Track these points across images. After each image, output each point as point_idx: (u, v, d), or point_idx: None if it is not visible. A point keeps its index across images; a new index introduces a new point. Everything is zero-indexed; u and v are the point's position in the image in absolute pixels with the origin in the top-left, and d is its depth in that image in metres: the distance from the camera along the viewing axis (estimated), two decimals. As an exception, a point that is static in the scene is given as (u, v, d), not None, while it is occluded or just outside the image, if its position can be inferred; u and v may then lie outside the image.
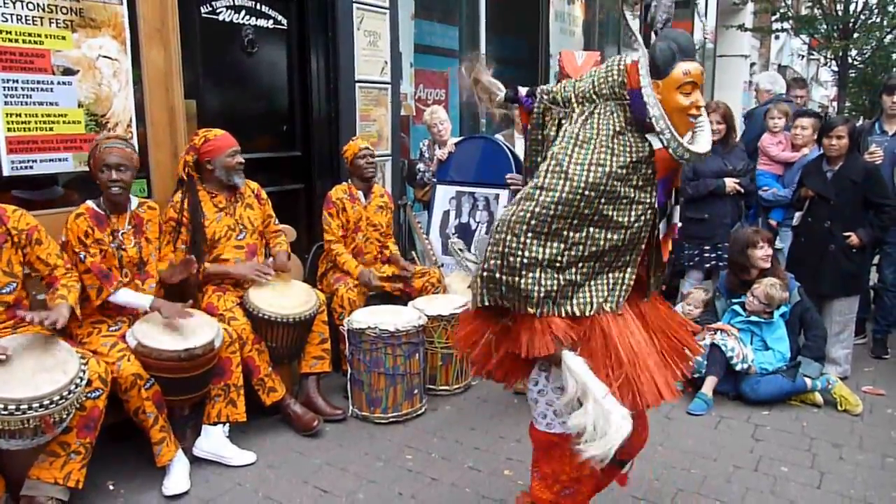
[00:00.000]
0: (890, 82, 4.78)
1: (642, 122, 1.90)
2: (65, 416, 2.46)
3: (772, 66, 17.09)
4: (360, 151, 4.06)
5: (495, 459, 3.17)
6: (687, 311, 4.16)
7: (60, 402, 2.39)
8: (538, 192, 1.88)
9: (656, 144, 1.89)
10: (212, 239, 3.38)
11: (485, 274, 1.93)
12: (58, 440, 2.52)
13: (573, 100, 2.00)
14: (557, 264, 1.89)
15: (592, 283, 1.95)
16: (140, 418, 2.83)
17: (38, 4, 3.02)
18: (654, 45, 1.90)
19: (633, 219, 1.94)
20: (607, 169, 1.87)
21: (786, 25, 13.65)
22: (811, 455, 3.24)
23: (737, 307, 4.03)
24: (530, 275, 1.88)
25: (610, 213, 1.90)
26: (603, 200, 1.89)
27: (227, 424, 3.16)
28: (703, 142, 1.95)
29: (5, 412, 2.29)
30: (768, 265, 3.95)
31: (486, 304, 1.96)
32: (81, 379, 2.50)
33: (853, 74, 14.81)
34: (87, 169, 3.02)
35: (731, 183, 4.45)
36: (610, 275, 1.97)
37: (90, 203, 2.96)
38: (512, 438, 3.37)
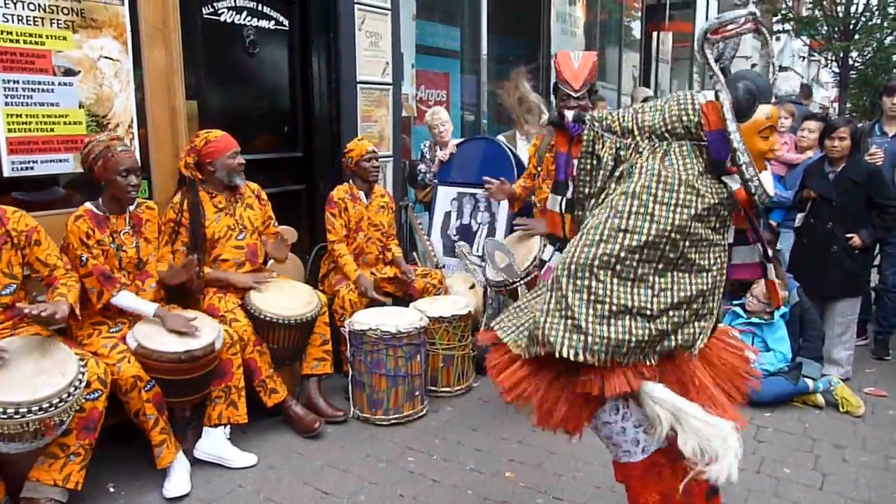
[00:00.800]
0: (890, 84, 4.78)
1: (717, 164, 1.85)
2: (64, 419, 2.45)
3: (771, 68, 17.05)
4: (366, 153, 4.06)
5: (497, 461, 3.16)
6: None
7: (60, 404, 2.38)
8: (621, 234, 1.77)
9: (734, 186, 1.85)
10: (212, 239, 3.37)
11: (569, 322, 1.75)
12: (57, 442, 2.52)
13: (636, 132, 1.92)
14: (648, 312, 1.78)
15: (681, 331, 1.86)
16: (140, 420, 2.82)
17: (38, 5, 3.01)
18: (736, 87, 1.86)
19: (712, 261, 1.89)
20: (692, 211, 1.79)
21: (787, 27, 13.65)
22: (814, 456, 3.23)
23: (737, 309, 4.02)
24: (619, 323, 1.75)
25: (693, 256, 1.84)
26: (687, 243, 1.82)
27: (228, 426, 3.15)
28: (768, 182, 1.91)
29: (4, 416, 2.28)
30: None
31: (570, 357, 1.74)
32: (80, 381, 2.49)
33: (854, 76, 14.82)
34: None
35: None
36: (697, 324, 1.89)
37: (89, 205, 2.96)
38: (514, 440, 3.36)
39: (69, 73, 3.14)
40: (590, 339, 1.73)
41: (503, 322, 1.98)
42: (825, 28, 13.47)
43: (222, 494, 2.88)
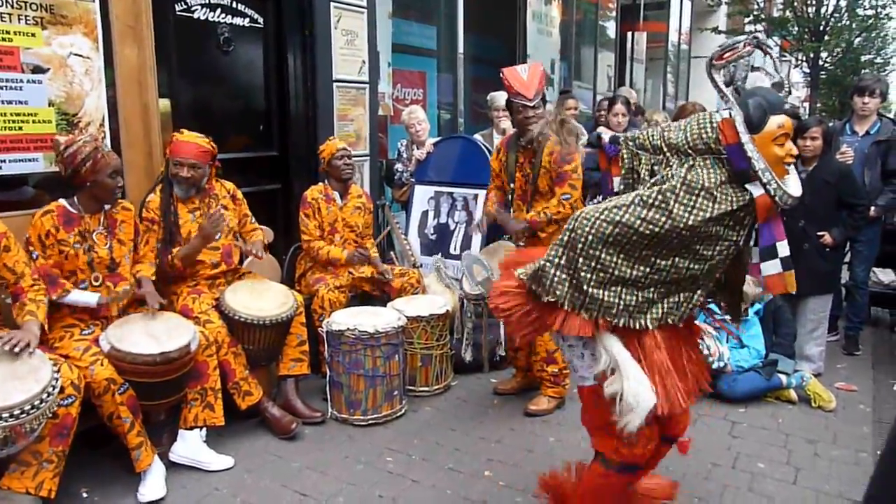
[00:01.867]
0: (860, 83, 4.86)
1: (740, 173, 2.06)
2: (36, 426, 2.40)
3: (745, 68, 17.29)
4: (337, 152, 4.03)
5: (476, 460, 3.16)
6: None
7: (32, 411, 2.33)
8: (639, 221, 2.02)
9: (756, 192, 2.06)
10: (186, 239, 3.33)
11: (574, 282, 2.07)
12: (30, 449, 2.46)
13: (665, 149, 2.16)
14: (640, 284, 2.08)
15: (666, 300, 2.14)
16: (115, 423, 2.77)
17: (6, 1, 2.95)
18: (746, 103, 2.06)
19: (715, 253, 2.11)
20: (707, 215, 2.02)
21: (759, 27, 13.85)
22: (787, 451, 3.28)
23: (712, 305, 4.06)
24: (612, 289, 2.06)
25: (698, 247, 2.08)
26: (695, 239, 2.06)
27: (205, 429, 3.11)
28: (794, 185, 2.14)
29: (-27, 421, 2.23)
30: None
31: (566, 307, 2.09)
32: (54, 387, 2.43)
33: (823, 76, 15.08)
34: (57, 169, 2.96)
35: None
36: (682, 294, 2.16)
37: (63, 201, 2.91)
38: (492, 439, 3.37)
39: (38, 70, 3.08)
40: (587, 299, 2.06)
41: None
42: (796, 29, 13.69)
43: (199, 498, 2.85)
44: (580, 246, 2.04)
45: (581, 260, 2.04)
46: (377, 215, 4.91)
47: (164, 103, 3.79)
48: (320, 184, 4.12)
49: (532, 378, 3.81)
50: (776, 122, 2.05)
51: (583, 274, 2.04)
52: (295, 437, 3.34)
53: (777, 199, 2.05)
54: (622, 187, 2.28)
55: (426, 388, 3.91)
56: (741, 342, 3.95)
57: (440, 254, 4.90)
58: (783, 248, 2.18)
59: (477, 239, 4.77)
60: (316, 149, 4.32)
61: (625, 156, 2.26)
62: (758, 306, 3.97)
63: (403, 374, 3.70)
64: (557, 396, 3.66)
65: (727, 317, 3.91)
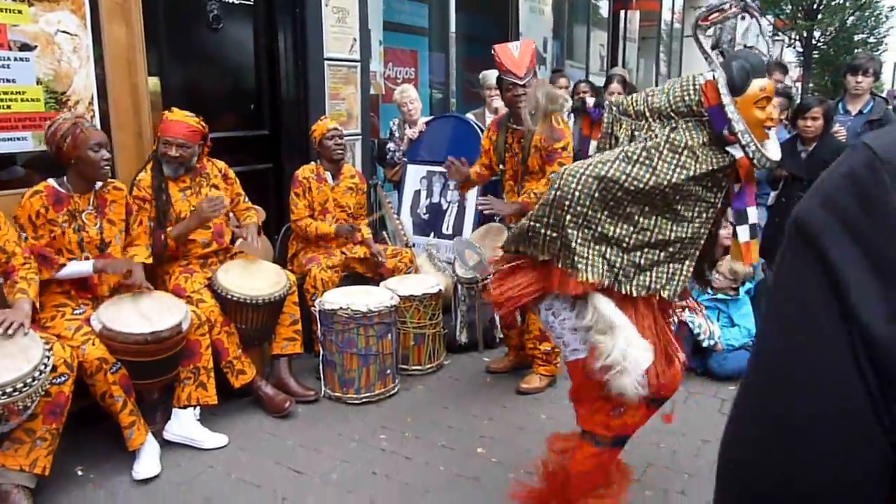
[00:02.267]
0: (854, 62, 4.86)
1: (721, 136, 2.06)
2: (28, 404, 2.40)
3: (738, 47, 17.25)
4: (327, 132, 4.01)
5: (468, 438, 3.19)
6: None
7: (24, 389, 2.33)
8: (623, 177, 2.03)
9: (737, 154, 2.07)
10: (178, 218, 3.32)
11: (563, 241, 2.08)
12: (23, 427, 2.47)
13: (647, 114, 2.17)
14: (624, 244, 2.09)
15: (655, 269, 2.14)
16: (107, 402, 2.78)
17: (-9, -23, 2.91)
18: (729, 65, 2.07)
19: (696, 214, 2.13)
20: (690, 173, 2.05)
21: (752, 4, 13.79)
22: (776, 428, 3.31)
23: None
24: (597, 247, 2.08)
25: (679, 207, 2.10)
26: (677, 197, 2.09)
27: (198, 407, 3.13)
28: (773, 149, 2.15)
29: (-33, 399, 2.23)
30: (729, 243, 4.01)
31: (560, 265, 2.11)
32: (45, 366, 2.44)
33: (816, 56, 15.05)
34: (46, 148, 2.93)
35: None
36: (672, 265, 2.16)
37: (52, 181, 2.89)
38: (485, 417, 3.39)
39: (25, 47, 3.04)
40: (575, 257, 2.07)
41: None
42: (789, 7, 13.64)
43: (193, 476, 2.86)
44: (567, 203, 2.05)
45: (568, 217, 2.05)
46: (369, 195, 4.90)
47: (154, 82, 3.75)
48: (312, 163, 4.10)
49: (524, 357, 3.83)
50: (758, 84, 2.06)
51: (570, 231, 2.05)
52: (288, 415, 3.36)
53: (756, 161, 2.06)
54: (598, 151, 2.28)
55: (419, 367, 3.93)
56: (732, 321, 3.98)
57: (432, 234, 4.90)
58: (753, 215, 2.22)
59: (469, 220, 4.76)
60: (307, 128, 4.29)
61: (605, 120, 2.27)
62: (749, 285, 3.99)
63: (396, 353, 3.72)
64: (549, 375, 3.69)
65: (719, 295, 3.97)
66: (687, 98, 2.11)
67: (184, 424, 3.07)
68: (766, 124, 2.09)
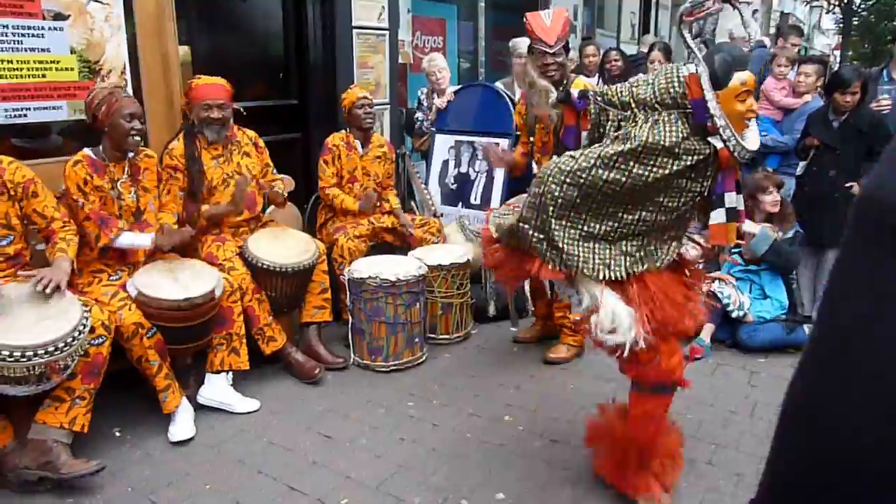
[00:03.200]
0: None
1: (703, 127, 2.11)
2: (69, 363, 2.48)
3: (774, 14, 16.79)
4: (357, 100, 4.00)
5: (495, 406, 3.21)
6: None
7: (65, 348, 2.41)
8: (601, 183, 2.10)
9: (718, 145, 2.12)
10: (209, 186, 3.35)
11: (549, 242, 2.17)
12: (63, 386, 2.55)
13: (633, 105, 2.20)
14: (611, 238, 2.19)
15: (643, 251, 2.23)
16: (143, 366, 2.86)
17: (25, -55, 2.93)
18: (712, 58, 2.12)
19: (680, 204, 2.20)
20: (666, 172, 2.10)
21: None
22: (805, 401, 3.29)
23: (736, 255, 4.04)
24: (585, 245, 2.17)
25: (662, 199, 2.17)
26: (659, 192, 2.15)
27: (230, 372, 3.19)
28: (752, 139, 2.21)
29: (10, 359, 2.31)
30: (777, 210, 3.95)
31: (550, 267, 2.20)
32: (84, 326, 2.51)
33: (856, 22, 14.57)
34: (82, 117, 2.98)
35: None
36: (659, 246, 2.25)
37: (87, 151, 2.94)
38: (511, 385, 3.42)
39: (59, 17, 3.07)
40: (564, 255, 2.17)
41: (498, 215, 2.42)
42: (829, -28, 13.21)
43: (226, 438, 2.94)
44: (550, 209, 2.13)
45: (553, 221, 2.14)
46: (397, 165, 4.90)
47: (184, 51, 3.77)
48: (342, 131, 4.10)
49: (551, 326, 3.83)
50: (740, 78, 2.11)
51: (556, 233, 2.15)
52: (318, 381, 3.42)
53: (735, 154, 2.12)
54: (587, 142, 2.33)
55: (446, 336, 3.96)
56: (764, 293, 3.94)
57: (460, 204, 4.89)
58: (731, 199, 2.26)
59: (497, 190, 4.74)
60: (336, 97, 4.29)
61: (592, 111, 2.31)
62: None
63: (424, 322, 3.75)
64: (577, 345, 3.69)
65: (751, 266, 3.92)
66: (672, 90, 2.15)
67: (217, 389, 3.14)
68: (746, 116, 2.15)
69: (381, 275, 3.50)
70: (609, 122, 2.26)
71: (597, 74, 5.75)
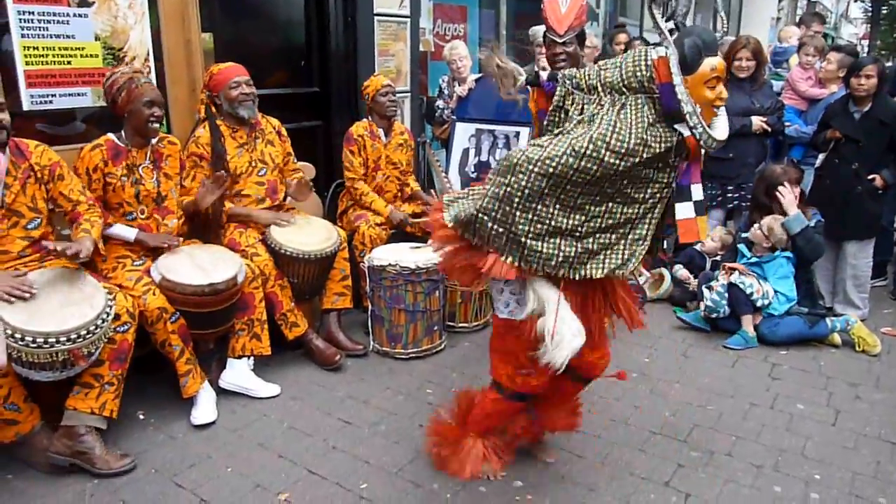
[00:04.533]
0: None
1: (671, 113, 2.04)
2: (93, 350, 2.51)
3: (801, 1, 16.50)
4: (381, 88, 4.00)
5: (514, 394, 3.21)
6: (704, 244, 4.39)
7: (88, 336, 2.43)
8: (572, 171, 1.99)
9: (685, 132, 2.06)
10: (233, 174, 3.37)
11: (511, 235, 2.06)
12: (91, 372, 2.59)
13: (599, 88, 2.14)
14: (578, 233, 2.08)
15: (608, 251, 2.13)
16: (167, 350, 2.89)
17: (51, -67, 2.95)
18: (682, 42, 2.05)
19: (647, 195, 2.12)
20: (637, 160, 2.02)
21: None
22: (827, 394, 3.26)
23: (742, 246, 4.02)
24: (551, 240, 2.07)
25: (629, 190, 2.09)
26: (626, 181, 2.07)
27: (252, 358, 3.22)
28: (721, 128, 2.15)
29: (34, 345, 2.34)
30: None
31: (508, 261, 2.09)
32: (108, 313, 2.54)
33: (885, 10, 14.31)
34: (104, 104, 3.01)
35: (758, 122, 4.37)
36: (626, 248, 2.15)
37: (111, 135, 2.97)
38: (530, 374, 3.41)
39: (84, 3, 3.10)
40: (526, 251, 2.06)
41: (451, 200, 2.25)
42: (858, -41, 12.94)
43: (248, 423, 2.97)
44: (516, 201, 2.03)
45: (518, 214, 2.03)
46: (417, 153, 4.89)
47: (207, 38, 3.79)
48: (364, 120, 4.11)
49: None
50: (710, 64, 2.05)
51: (520, 227, 2.04)
52: (338, 368, 3.44)
53: (702, 142, 2.06)
54: (546, 124, 2.28)
55: (465, 325, 3.97)
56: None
57: (475, 174, 4.87)
58: (697, 192, 2.20)
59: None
60: (357, 85, 4.29)
61: (558, 93, 2.24)
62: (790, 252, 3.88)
63: (443, 310, 3.76)
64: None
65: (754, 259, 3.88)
66: (639, 73, 2.07)
67: (238, 374, 3.18)
68: (715, 104, 2.09)
69: (401, 262, 3.51)
70: (573, 106, 2.19)
71: None
